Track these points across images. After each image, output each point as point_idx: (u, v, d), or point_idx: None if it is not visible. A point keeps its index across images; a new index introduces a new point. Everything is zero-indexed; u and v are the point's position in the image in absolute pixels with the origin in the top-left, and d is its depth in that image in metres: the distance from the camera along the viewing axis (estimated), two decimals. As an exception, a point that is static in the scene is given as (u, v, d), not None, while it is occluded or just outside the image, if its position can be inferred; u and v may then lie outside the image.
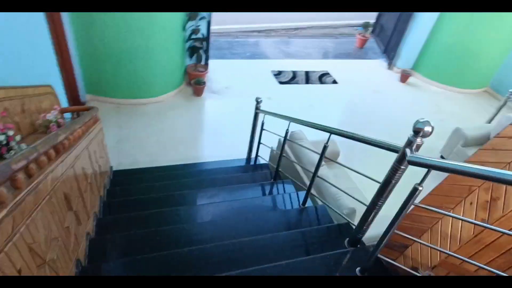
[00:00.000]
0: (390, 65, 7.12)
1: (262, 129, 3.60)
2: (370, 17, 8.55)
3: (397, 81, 6.80)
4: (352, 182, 3.60)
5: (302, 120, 2.75)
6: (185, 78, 5.55)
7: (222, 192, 2.85)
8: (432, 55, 6.64)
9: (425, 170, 1.36)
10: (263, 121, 3.55)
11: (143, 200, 2.67)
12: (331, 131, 2.21)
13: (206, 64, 5.70)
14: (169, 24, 4.53)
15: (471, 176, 1.03)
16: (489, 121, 5.13)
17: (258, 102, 3.61)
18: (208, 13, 4.88)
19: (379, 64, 7.36)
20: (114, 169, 3.71)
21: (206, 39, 5.27)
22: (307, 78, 6.32)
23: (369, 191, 2.69)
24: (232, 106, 5.30)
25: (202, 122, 4.99)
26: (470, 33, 6.11)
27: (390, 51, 7.15)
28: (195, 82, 5.28)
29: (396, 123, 5.57)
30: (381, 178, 2.13)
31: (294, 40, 8.36)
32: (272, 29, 8.92)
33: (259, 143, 3.75)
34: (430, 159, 1.24)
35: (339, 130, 2.15)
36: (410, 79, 6.77)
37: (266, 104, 5.19)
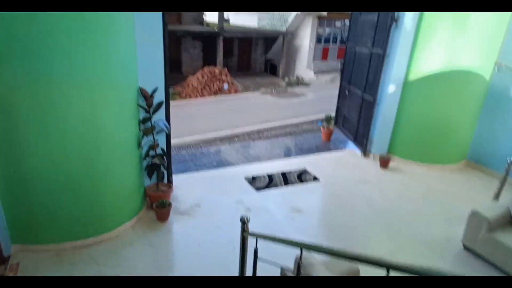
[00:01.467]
0: (365, 152, 6.79)
1: (256, 258, 2.65)
2: (329, 110, 8.61)
3: (377, 167, 6.36)
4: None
5: (320, 247, 1.89)
6: (145, 201, 4.61)
7: None
8: (405, 134, 6.44)
9: None
10: (255, 248, 2.63)
11: None
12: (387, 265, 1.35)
13: (170, 182, 4.88)
14: (120, 143, 3.79)
15: None
16: (496, 197, 4.60)
17: (244, 222, 2.74)
18: (165, 125, 4.27)
19: (352, 153, 7.02)
20: None
21: (167, 154, 4.57)
22: (285, 179, 5.66)
23: None
24: (207, 229, 4.32)
25: (172, 256, 3.89)
26: (435, 107, 6.06)
27: (361, 139, 6.90)
28: (158, 205, 4.34)
29: (394, 213, 4.85)
30: None
31: (258, 143, 8.00)
32: (234, 135, 8.62)
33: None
34: None
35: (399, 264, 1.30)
36: (391, 164, 6.38)
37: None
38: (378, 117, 6.50)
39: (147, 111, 4.09)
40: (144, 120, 4.09)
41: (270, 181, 5.55)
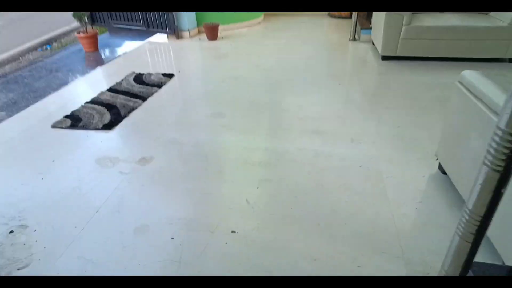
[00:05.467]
0: (177, 33, 4.82)
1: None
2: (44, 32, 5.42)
3: (207, 42, 4.71)
4: None
5: None
6: None
7: None
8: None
9: None
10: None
11: None
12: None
13: None
14: None
15: None
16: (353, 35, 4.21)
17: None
18: None
19: (155, 43, 4.86)
20: None
21: None
22: (134, 95, 3.05)
23: None
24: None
25: None
26: None
27: (162, 21, 4.78)
28: None
29: (295, 77, 3.65)
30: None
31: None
32: None
33: None
34: None
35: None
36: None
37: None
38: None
39: None
40: None
41: (113, 109, 2.80)
